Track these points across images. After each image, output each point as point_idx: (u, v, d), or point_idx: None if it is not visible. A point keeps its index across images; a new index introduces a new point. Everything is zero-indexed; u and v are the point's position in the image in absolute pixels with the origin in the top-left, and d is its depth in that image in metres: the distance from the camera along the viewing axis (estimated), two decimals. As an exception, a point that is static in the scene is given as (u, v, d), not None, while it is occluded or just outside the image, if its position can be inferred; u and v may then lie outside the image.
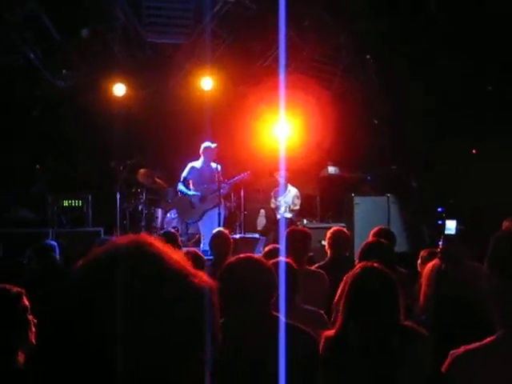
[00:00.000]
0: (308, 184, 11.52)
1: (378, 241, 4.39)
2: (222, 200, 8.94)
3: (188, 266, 1.02)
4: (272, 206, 10.32)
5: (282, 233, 5.33)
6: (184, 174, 9.04)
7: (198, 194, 8.96)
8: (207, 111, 8.95)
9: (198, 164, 8.97)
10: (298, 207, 10.20)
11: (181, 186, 9.10)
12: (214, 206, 8.84)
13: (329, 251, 5.37)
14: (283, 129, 10.34)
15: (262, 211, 11.14)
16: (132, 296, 0.93)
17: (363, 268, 2.80)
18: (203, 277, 1.02)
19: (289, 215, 10.00)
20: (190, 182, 9.08)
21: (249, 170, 9.01)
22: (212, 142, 8.91)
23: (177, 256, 1.02)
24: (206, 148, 8.87)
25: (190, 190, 9.08)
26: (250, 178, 9.09)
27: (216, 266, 4.89)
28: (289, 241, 4.92)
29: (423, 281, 3.08)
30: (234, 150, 10.19)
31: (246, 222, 10.12)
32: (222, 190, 8.89)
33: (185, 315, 0.95)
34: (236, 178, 8.98)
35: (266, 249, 4.88)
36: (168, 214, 10.13)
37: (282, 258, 3.45)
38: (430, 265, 3.07)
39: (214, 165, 8.92)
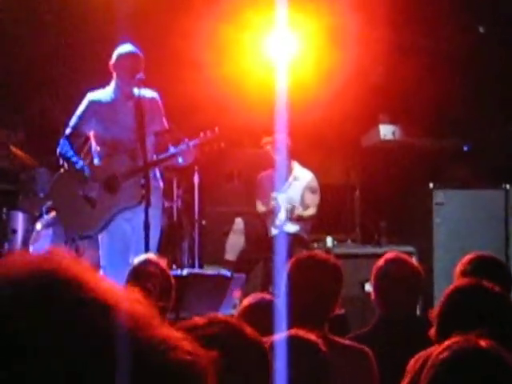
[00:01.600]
0: (336, 163, 11.58)
1: (480, 284, 4.35)
2: (158, 190, 8.86)
3: (153, 318, 1.20)
4: (260, 209, 10.37)
5: (281, 266, 5.41)
6: (73, 120, 8.93)
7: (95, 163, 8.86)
8: (122, 3, 8.92)
9: (105, 95, 8.90)
10: (313, 211, 10.33)
11: (63, 146, 8.95)
12: (137, 203, 8.70)
13: (378, 305, 5.47)
14: (285, 44, 10.36)
15: (239, 222, 11.15)
16: None
17: (454, 349, 2.84)
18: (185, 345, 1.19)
19: (294, 228, 10.08)
20: (92, 136, 8.94)
21: (216, 126, 8.90)
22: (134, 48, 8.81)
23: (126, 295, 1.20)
24: (123, 56, 8.74)
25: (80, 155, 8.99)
26: (217, 147, 8.99)
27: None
28: (294, 284, 4.95)
29: None
30: (181, 85, 10.20)
31: (203, 243, 10.10)
32: (177, 157, 8.67)
33: None
34: (202, 137, 8.78)
35: (246, 302, 5.00)
36: (38, 223, 10.12)
37: (303, 334, 3.53)
38: None
39: (147, 93, 8.80)
